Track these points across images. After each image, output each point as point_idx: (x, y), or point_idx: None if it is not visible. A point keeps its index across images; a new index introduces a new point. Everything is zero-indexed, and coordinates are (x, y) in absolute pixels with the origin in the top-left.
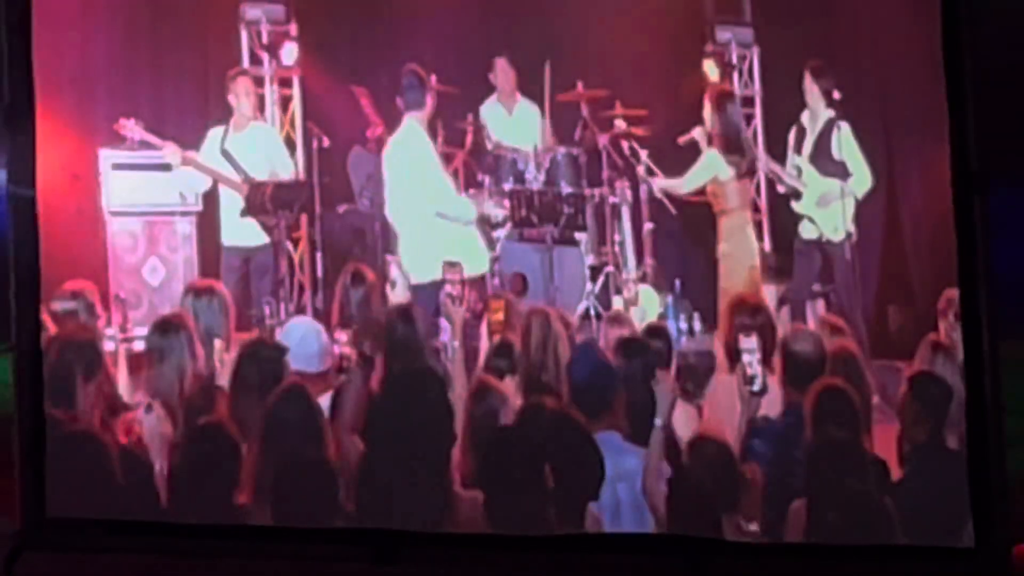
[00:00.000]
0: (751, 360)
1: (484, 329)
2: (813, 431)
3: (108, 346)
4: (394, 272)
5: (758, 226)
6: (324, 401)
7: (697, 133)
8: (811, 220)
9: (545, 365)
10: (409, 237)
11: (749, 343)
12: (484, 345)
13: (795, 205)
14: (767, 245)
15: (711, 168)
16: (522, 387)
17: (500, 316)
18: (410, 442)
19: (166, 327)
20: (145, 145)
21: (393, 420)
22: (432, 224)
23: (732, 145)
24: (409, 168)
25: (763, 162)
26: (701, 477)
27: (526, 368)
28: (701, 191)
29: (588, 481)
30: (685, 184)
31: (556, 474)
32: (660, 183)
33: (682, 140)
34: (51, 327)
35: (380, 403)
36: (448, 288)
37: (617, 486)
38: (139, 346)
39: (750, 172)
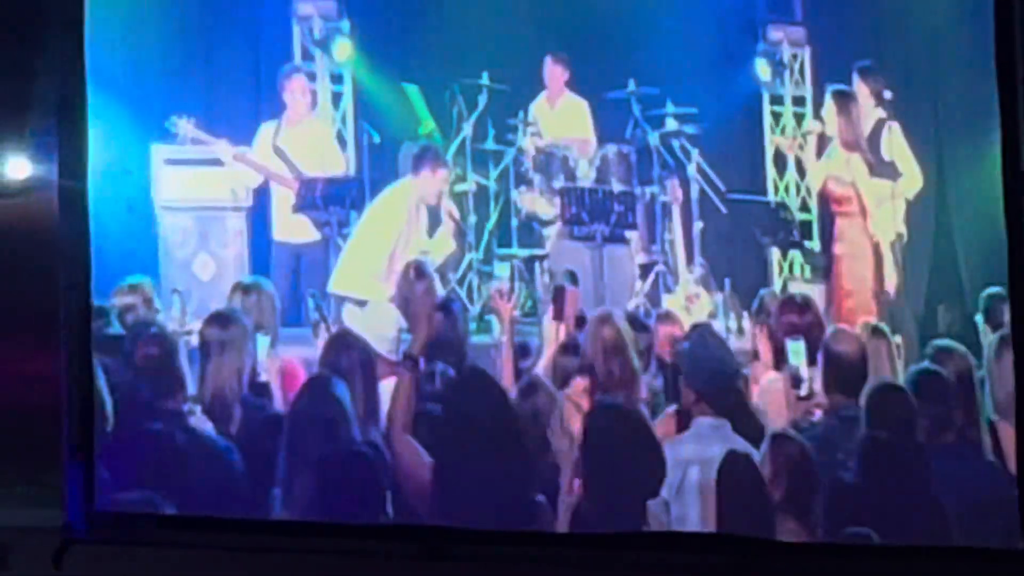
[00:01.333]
0: (799, 364)
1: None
2: (868, 430)
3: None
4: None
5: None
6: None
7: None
8: None
9: (612, 369)
10: None
11: (796, 345)
12: (551, 339)
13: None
14: (817, 245)
15: (847, 169)
16: (590, 390)
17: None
18: (474, 442)
19: (220, 322)
20: (196, 141)
21: (454, 420)
22: None
23: (855, 144)
24: None
25: (811, 163)
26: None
27: (597, 371)
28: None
29: (650, 480)
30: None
31: (620, 472)
32: None
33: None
34: (116, 320)
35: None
36: (497, 285)
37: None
38: (195, 340)
39: (871, 171)
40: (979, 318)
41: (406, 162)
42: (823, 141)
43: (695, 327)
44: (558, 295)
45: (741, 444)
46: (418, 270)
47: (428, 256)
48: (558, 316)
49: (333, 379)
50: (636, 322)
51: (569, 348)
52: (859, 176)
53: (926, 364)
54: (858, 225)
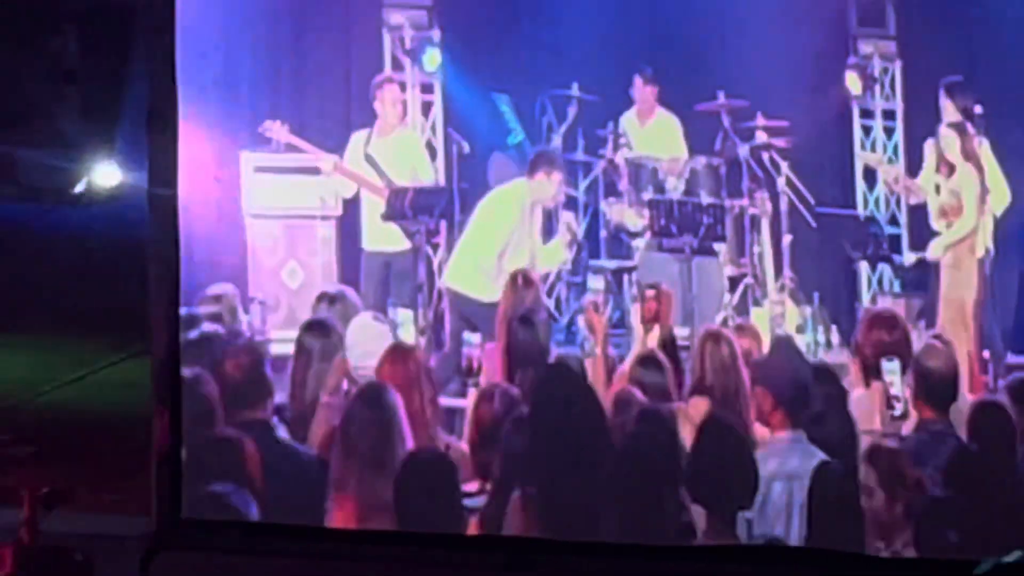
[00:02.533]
0: (894, 381)
1: (636, 323)
2: (969, 444)
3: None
4: None
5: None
6: None
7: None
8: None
9: (726, 387)
10: None
11: (892, 365)
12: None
13: (933, 221)
14: (907, 259)
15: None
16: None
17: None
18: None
19: (312, 330)
20: (290, 148)
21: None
22: None
23: (971, 156)
24: None
25: (901, 177)
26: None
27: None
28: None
29: (743, 493)
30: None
31: (714, 485)
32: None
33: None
34: (204, 328)
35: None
36: (591, 297)
37: (789, 485)
38: (277, 349)
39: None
40: None
41: (497, 171)
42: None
43: (777, 339)
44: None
45: (823, 456)
46: (526, 278)
47: (537, 263)
48: (651, 319)
49: (387, 386)
50: None
51: (648, 361)
52: (971, 189)
53: None
54: (967, 245)
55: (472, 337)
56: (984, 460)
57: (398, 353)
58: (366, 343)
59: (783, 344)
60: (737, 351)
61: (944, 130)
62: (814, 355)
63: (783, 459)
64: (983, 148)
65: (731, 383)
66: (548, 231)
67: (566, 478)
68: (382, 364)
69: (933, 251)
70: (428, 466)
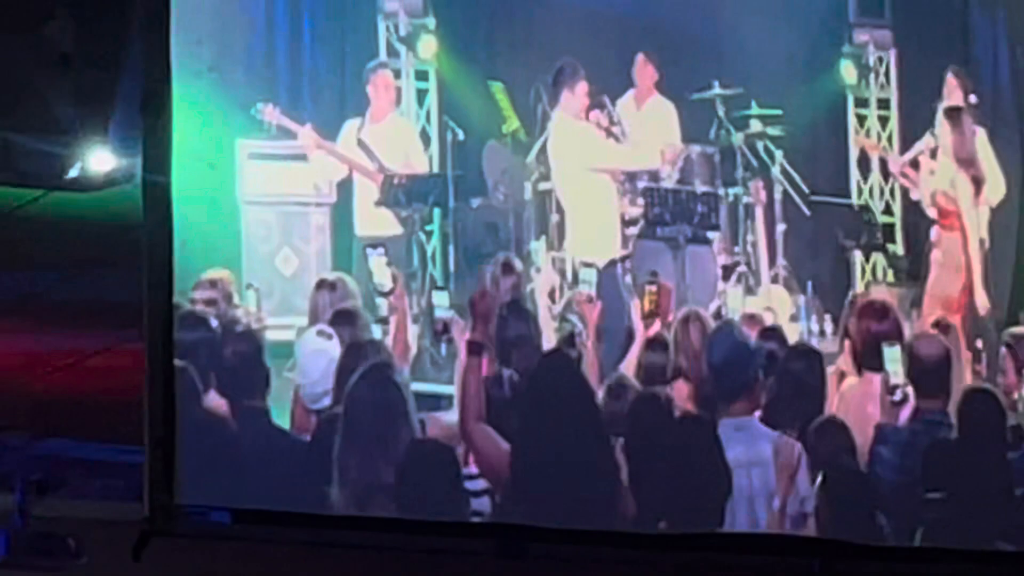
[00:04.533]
0: (896, 370)
1: (636, 316)
2: (960, 434)
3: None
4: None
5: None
6: None
7: (924, 147)
8: None
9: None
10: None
11: (892, 351)
12: (639, 334)
13: (927, 209)
14: (900, 249)
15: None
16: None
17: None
18: (555, 435)
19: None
20: (282, 133)
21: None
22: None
23: (967, 161)
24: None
25: (897, 165)
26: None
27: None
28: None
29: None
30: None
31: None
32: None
33: (909, 157)
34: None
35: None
36: (584, 288)
37: (752, 471)
38: (271, 336)
39: (979, 188)
40: None
41: (491, 160)
42: (934, 155)
43: (721, 324)
44: (654, 292)
45: (773, 437)
46: (505, 266)
47: None
48: (651, 314)
49: (395, 365)
50: None
51: (657, 344)
52: (964, 195)
53: None
54: (956, 240)
55: (441, 298)
56: (973, 449)
57: None
58: (310, 364)
59: (723, 330)
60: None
61: (940, 117)
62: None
63: (746, 446)
64: (980, 138)
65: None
66: None
67: (556, 467)
68: None
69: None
70: (431, 453)
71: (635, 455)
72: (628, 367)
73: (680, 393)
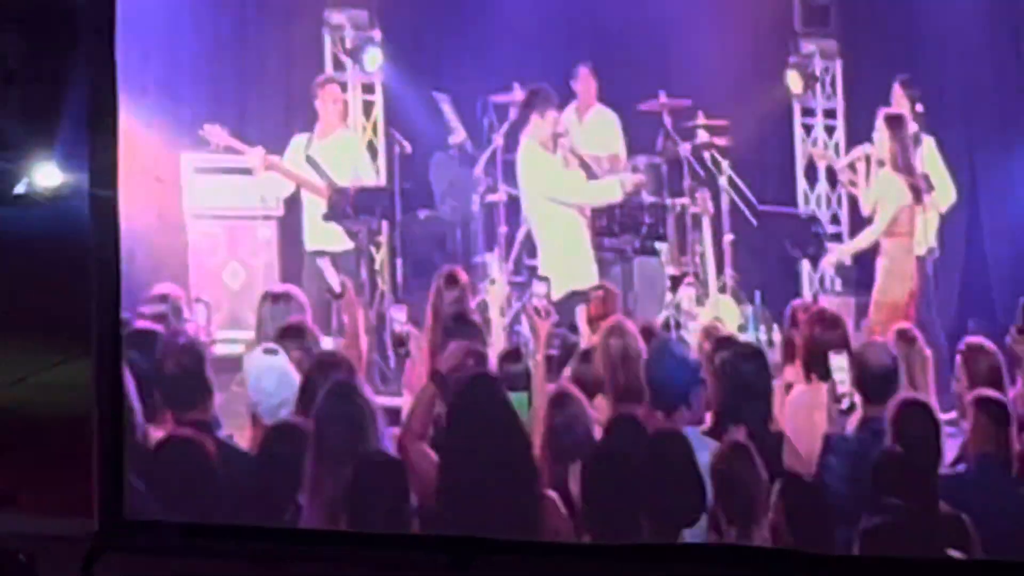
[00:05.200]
0: (843, 378)
1: (582, 323)
2: (892, 444)
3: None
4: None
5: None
6: None
7: (861, 152)
8: None
9: (628, 380)
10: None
11: (839, 360)
12: (584, 340)
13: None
14: (847, 259)
15: (896, 194)
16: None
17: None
18: (484, 448)
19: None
20: (229, 149)
21: (463, 427)
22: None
23: (906, 167)
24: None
25: (843, 177)
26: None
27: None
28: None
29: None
30: (877, 230)
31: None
32: (848, 249)
33: (847, 160)
34: (145, 328)
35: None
36: (535, 301)
37: None
38: (221, 349)
39: (919, 195)
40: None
41: (438, 172)
42: (872, 163)
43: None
44: (600, 297)
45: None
46: (449, 279)
47: None
48: (598, 318)
49: (360, 381)
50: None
51: (588, 355)
52: (905, 200)
53: None
54: (903, 245)
55: (399, 312)
56: (907, 459)
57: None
58: (263, 381)
59: (659, 344)
60: (639, 345)
61: (880, 123)
62: None
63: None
64: (927, 146)
65: (631, 377)
66: None
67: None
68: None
69: (840, 254)
70: (378, 468)
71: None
72: (565, 377)
73: (600, 407)
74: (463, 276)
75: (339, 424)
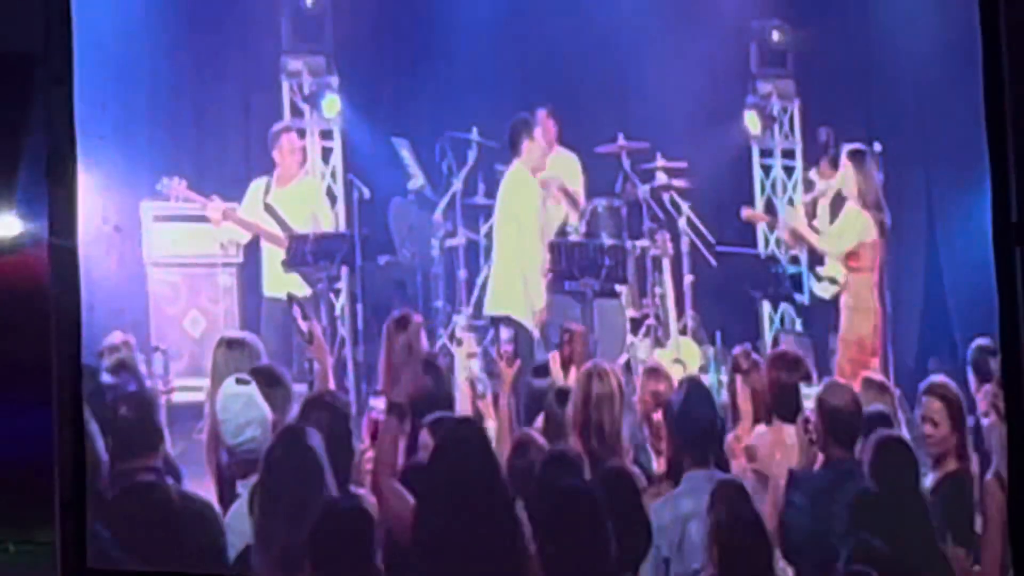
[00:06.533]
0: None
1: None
2: (871, 482)
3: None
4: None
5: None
6: None
7: (822, 188)
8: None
9: (601, 424)
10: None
11: (809, 391)
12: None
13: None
14: (807, 298)
15: (861, 229)
16: (581, 443)
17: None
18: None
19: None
20: (188, 199)
21: (440, 473)
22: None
23: (875, 203)
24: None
25: (796, 218)
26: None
27: (583, 425)
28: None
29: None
30: (832, 242)
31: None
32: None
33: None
34: (102, 378)
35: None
36: (502, 347)
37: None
38: (179, 397)
39: (883, 231)
40: (968, 370)
41: (397, 217)
42: (838, 200)
43: (685, 380)
44: (567, 341)
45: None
46: (400, 322)
47: None
48: (568, 361)
49: (308, 430)
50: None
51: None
52: (869, 236)
53: None
54: (866, 281)
55: (378, 402)
56: (887, 497)
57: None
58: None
59: (690, 384)
60: (615, 389)
61: (843, 160)
62: (717, 395)
63: (699, 498)
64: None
65: (610, 420)
66: None
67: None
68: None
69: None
70: (344, 515)
71: (540, 515)
72: (539, 422)
73: (575, 447)
74: (416, 318)
75: (287, 471)
